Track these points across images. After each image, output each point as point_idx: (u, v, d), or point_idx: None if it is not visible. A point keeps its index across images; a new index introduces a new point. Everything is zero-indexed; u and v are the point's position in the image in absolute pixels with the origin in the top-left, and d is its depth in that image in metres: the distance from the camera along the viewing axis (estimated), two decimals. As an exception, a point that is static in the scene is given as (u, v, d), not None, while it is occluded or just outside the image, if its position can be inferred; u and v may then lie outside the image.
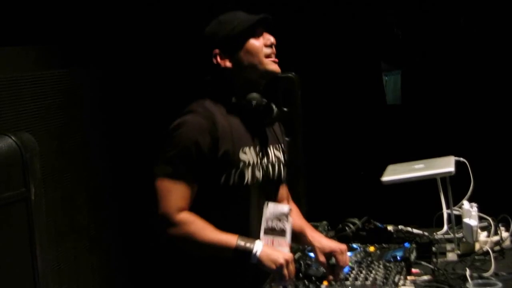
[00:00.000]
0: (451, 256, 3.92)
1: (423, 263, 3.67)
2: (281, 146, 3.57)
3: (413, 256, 3.69)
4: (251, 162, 3.31)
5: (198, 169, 3.19)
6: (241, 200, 3.32)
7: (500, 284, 3.07)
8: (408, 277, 3.43)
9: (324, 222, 4.92)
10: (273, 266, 3.09)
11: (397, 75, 6.92)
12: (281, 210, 3.28)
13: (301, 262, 3.55)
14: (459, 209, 4.08)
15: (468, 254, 3.86)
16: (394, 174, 4.19)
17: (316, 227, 4.89)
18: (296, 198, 4.81)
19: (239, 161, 3.27)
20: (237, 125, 3.32)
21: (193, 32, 3.49)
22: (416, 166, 4.21)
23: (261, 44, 3.33)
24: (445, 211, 4.22)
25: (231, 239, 3.14)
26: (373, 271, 3.41)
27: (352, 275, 3.38)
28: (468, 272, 3.42)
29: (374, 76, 6.76)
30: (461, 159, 4.20)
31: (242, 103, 3.33)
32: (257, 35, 3.33)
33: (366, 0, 6.41)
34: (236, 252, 3.12)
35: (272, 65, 3.34)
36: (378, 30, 6.54)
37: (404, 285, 3.31)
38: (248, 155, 3.31)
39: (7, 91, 4.45)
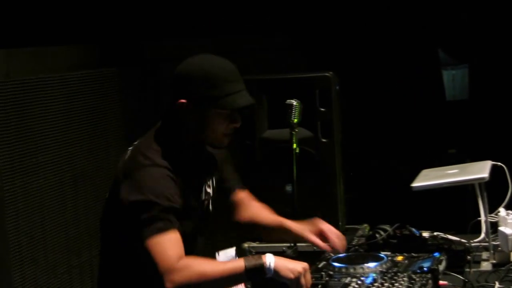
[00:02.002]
0: (485, 266, 3.71)
1: (453, 274, 3.47)
2: (212, 180, 3.43)
3: (442, 266, 3.46)
4: (196, 206, 3.27)
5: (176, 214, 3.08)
6: (189, 242, 3.18)
7: None
8: (434, 291, 3.20)
9: (365, 225, 4.79)
10: (291, 276, 2.99)
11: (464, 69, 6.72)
12: (231, 254, 3.36)
13: (323, 273, 3.35)
14: (496, 216, 3.89)
15: (504, 264, 3.65)
16: (425, 180, 3.99)
17: (356, 230, 4.78)
18: (333, 201, 4.71)
19: (191, 208, 3.21)
20: (188, 172, 3.23)
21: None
22: (450, 172, 4.02)
23: (227, 126, 3.20)
24: (483, 218, 3.96)
25: (238, 263, 3.04)
26: (397, 284, 3.17)
27: (373, 288, 3.16)
28: (498, 286, 3.26)
29: (430, 70, 6.56)
30: (499, 163, 3.99)
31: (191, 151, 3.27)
32: (236, 117, 3.21)
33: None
34: (249, 272, 3.00)
35: (223, 142, 3.27)
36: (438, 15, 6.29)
37: (427, 299, 3.08)
38: (193, 201, 3.24)
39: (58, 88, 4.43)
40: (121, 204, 3.11)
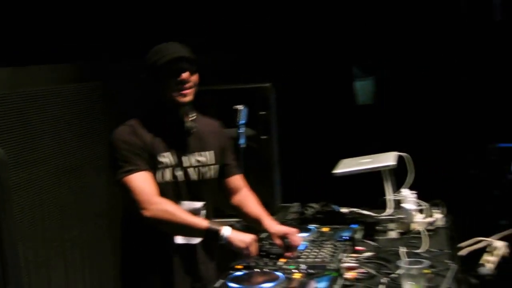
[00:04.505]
0: (392, 234, 3.68)
1: (367, 241, 3.46)
2: (210, 153, 3.31)
3: (359, 235, 3.45)
4: (170, 164, 3.13)
5: (145, 158, 3.05)
6: (172, 196, 3.12)
7: (427, 262, 2.83)
8: (352, 255, 3.17)
9: (296, 204, 4.79)
10: (242, 245, 2.96)
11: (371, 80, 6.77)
12: (194, 206, 3.16)
13: (264, 242, 3.32)
14: (399, 195, 3.88)
15: (406, 233, 3.65)
16: (344, 167, 3.98)
17: (289, 208, 4.77)
18: (271, 185, 4.71)
19: (158, 162, 3.09)
20: (158, 135, 3.14)
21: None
22: (364, 160, 4.00)
23: (173, 81, 3.09)
24: (388, 197, 3.97)
25: (203, 222, 3.02)
26: (323, 250, 3.15)
27: (305, 253, 3.12)
28: (402, 250, 3.24)
29: (345, 81, 6.60)
30: (404, 154, 3.99)
31: (162, 119, 3.18)
32: (172, 71, 3.09)
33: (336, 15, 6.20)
34: (208, 232, 2.98)
35: (178, 98, 3.12)
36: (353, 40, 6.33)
37: (348, 262, 3.04)
38: (167, 159, 3.12)
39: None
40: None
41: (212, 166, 3.28)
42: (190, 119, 3.19)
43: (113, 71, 5.02)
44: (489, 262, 3.97)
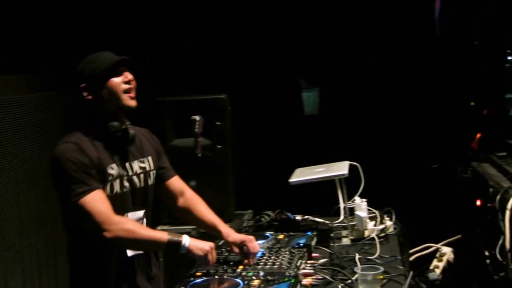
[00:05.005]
0: (346, 241, 3.69)
1: (322, 248, 3.45)
2: (149, 158, 3.18)
3: (313, 242, 3.41)
4: (118, 175, 2.98)
5: (94, 175, 2.87)
6: (120, 207, 2.97)
7: (381, 268, 2.85)
8: (309, 261, 3.17)
9: (250, 211, 4.76)
10: (201, 253, 2.92)
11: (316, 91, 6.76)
12: (137, 216, 3.06)
13: (223, 249, 3.25)
14: (352, 203, 3.88)
15: (359, 239, 3.65)
16: (299, 176, 3.96)
17: (243, 215, 4.71)
18: (226, 192, 4.65)
19: (108, 175, 2.93)
20: (102, 147, 2.96)
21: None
22: (318, 170, 3.99)
23: (120, 81, 2.97)
24: (341, 205, 3.95)
25: (163, 235, 2.93)
26: (281, 256, 3.12)
27: (262, 260, 3.10)
28: (357, 256, 3.26)
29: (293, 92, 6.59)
30: (355, 163, 3.98)
31: (103, 131, 2.99)
32: (117, 74, 2.97)
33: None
34: (169, 244, 2.90)
35: (128, 101, 2.99)
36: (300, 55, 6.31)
37: (304, 268, 3.04)
38: (115, 170, 2.98)
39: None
40: (52, 184, 2.93)
41: (152, 172, 3.20)
42: (128, 126, 3.08)
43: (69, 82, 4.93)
44: (438, 267, 3.97)
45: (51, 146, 4.73)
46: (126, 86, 2.97)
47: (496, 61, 5.04)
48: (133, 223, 2.95)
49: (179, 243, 2.88)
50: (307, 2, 6.14)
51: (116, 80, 2.95)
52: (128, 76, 2.99)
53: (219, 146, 4.63)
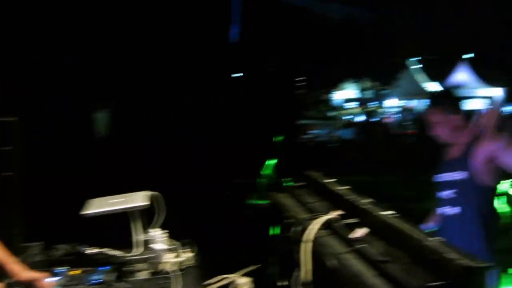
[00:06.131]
0: (144, 275, 3.51)
1: (124, 282, 3.31)
2: None
3: (113, 277, 3.20)
4: None
5: None
6: None
7: None
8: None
9: (41, 243, 4.43)
10: None
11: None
12: None
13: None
14: (148, 236, 3.70)
15: (158, 273, 3.50)
16: (94, 207, 3.73)
17: (33, 247, 4.38)
18: (12, 225, 4.32)
19: None
20: None
21: None
22: (114, 201, 3.77)
23: None
24: (133, 238, 3.77)
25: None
26: (77, 295, 2.89)
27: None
28: None
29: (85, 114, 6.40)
30: (156, 193, 3.82)
31: None
32: None
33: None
34: None
35: None
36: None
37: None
38: None
39: None
40: None
41: None
42: None
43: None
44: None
45: None
46: None
47: (288, 90, 5.17)
48: None
49: None
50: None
51: None
52: None
53: (6, 174, 4.30)
